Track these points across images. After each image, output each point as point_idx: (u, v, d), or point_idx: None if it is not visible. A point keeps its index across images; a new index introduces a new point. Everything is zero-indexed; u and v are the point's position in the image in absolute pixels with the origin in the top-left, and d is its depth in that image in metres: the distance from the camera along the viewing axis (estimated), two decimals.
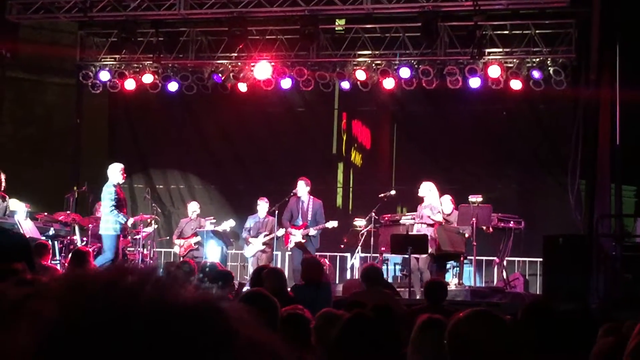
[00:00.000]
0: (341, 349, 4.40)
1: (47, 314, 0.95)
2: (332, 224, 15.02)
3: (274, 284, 8.69)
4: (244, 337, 0.99)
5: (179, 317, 0.96)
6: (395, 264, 15.65)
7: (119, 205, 13.49)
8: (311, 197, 15.23)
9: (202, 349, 0.95)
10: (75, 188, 16.15)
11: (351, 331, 4.36)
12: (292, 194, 15.21)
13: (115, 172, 13.57)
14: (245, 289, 9.83)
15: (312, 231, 14.95)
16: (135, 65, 17.59)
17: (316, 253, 14.49)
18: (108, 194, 13.44)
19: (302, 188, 15.13)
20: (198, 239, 15.86)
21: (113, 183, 13.50)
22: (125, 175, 13.79)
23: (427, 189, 14.50)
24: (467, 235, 14.62)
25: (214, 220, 16.20)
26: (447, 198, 15.03)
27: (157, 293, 0.98)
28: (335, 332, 4.43)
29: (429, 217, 14.33)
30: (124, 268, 1.01)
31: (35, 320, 0.95)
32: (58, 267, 12.59)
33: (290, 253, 15.60)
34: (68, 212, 15.47)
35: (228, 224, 15.88)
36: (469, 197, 14.94)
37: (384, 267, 15.16)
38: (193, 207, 16.27)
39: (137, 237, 15.93)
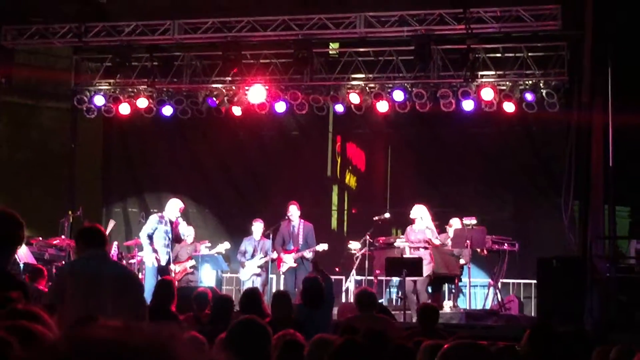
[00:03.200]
0: None
1: None
2: (322, 246, 15.04)
3: (281, 310, 8.79)
4: None
5: None
6: (390, 287, 15.67)
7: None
8: (302, 220, 15.28)
9: None
10: (70, 212, 16.15)
11: (341, 357, 4.36)
12: (286, 217, 15.25)
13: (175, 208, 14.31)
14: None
15: (307, 253, 14.99)
16: (130, 89, 17.63)
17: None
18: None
19: (295, 212, 15.20)
20: (193, 262, 15.85)
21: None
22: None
23: (421, 212, 14.58)
24: (463, 262, 14.67)
25: (209, 244, 16.21)
26: (457, 220, 15.08)
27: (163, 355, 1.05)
28: (327, 357, 4.43)
29: (429, 240, 14.42)
30: (129, 327, 1.09)
31: None
32: None
33: (284, 277, 15.62)
34: (63, 236, 15.48)
35: (223, 247, 15.91)
36: (463, 219, 14.99)
37: (387, 290, 15.23)
38: (188, 231, 16.26)
39: (132, 261, 15.94)
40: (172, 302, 9.22)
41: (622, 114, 13.94)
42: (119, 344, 1.06)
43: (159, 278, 13.57)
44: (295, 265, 15.06)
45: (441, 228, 15.18)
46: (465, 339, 4.25)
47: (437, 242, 14.53)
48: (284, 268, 15.25)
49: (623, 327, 11.62)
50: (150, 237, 14.03)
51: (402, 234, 15.53)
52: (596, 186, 13.97)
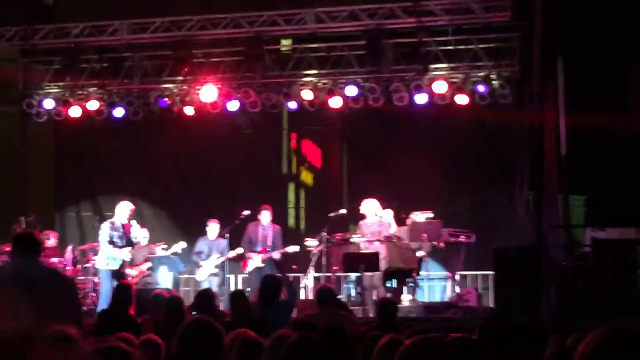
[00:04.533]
0: None
1: None
2: (293, 248, 15.27)
3: (238, 309, 8.81)
4: None
5: None
6: (348, 282, 15.65)
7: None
8: (271, 223, 15.38)
9: None
10: (22, 218, 15.91)
11: (296, 353, 4.30)
12: (242, 216, 15.28)
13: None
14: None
15: (276, 254, 15.12)
16: (80, 92, 17.39)
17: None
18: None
19: (268, 216, 15.27)
20: (149, 264, 15.69)
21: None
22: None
23: (371, 207, 14.60)
24: (423, 253, 14.71)
25: (165, 246, 16.06)
26: (418, 215, 15.11)
27: None
28: (281, 354, 4.37)
29: (389, 235, 14.46)
30: None
31: None
32: None
33: (247, 276, 15.63)
34: None
35: (179, 246, 15.77)
36: (420, 213, 15.00)
37: (345, 286, 15.23)
38: (143, 234, 16.09)
39: (88, 265, 15.75)
40: (130, 305, 9.14)
41: (574, 103, 14.02)
42: None
43: (115, 282, 13.46)
44: (262, 265, 15.17)
45: (397, 222, 15.18)
46: (421, 333, 4.20)
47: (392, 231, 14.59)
48: (250, 267, 15.35)
49: (580, 315, 11.66)
50: (111, 242, 14.09)
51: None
52: (550, 176, 14.04)
